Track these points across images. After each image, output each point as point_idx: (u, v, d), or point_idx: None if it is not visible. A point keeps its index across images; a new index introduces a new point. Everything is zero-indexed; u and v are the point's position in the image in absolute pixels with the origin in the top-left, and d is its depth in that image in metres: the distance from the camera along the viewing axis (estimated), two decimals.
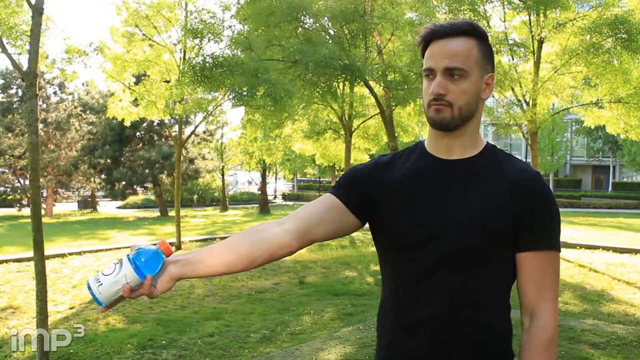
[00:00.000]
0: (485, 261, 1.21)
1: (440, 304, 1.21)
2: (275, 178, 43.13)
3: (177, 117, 12.09)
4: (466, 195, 1.22)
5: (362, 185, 1.30)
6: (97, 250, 10.40)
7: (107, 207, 29.49)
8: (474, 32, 1.25)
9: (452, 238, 1.19)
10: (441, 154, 1.28)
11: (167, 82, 11.59)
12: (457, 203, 1.22)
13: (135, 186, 24.83)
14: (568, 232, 13.31)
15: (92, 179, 25.39)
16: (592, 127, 12.81)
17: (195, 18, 10.48)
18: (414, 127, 16.58)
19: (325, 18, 12.52)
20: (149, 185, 24.69)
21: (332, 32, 12.97)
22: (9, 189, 24.61)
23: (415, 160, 1.31)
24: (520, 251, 1.22)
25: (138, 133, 24.00)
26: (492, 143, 1.33)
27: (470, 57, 1.23)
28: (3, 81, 24.45)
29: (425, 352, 1.19)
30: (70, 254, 9.84)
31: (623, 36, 9.20)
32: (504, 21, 10.84)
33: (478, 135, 1.30)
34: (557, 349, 1.20)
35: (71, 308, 6.18)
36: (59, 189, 24.79)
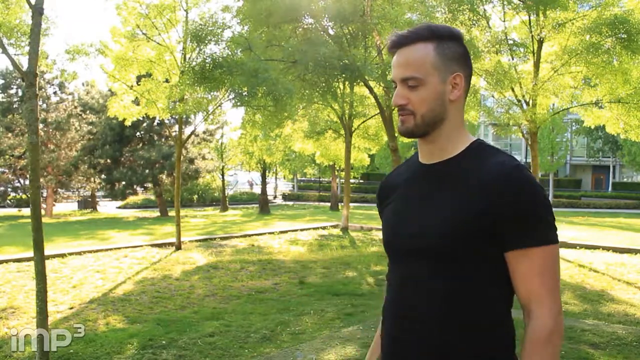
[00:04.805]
0: (465, 262, 1.19)
1: (428, 306, 1.22)
2: (275, 178, 43.12)
3: (177, 117, 12.08)
4: (441, 198, 1.23)
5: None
6: (97, 250, 10.38)
7: (107, 207, 29.50)
8: (432, 35, 1.23)
9: (426, 242, 1.21)
10: (425, 159, 1.31)
11: (167, 81, 11.58)
12: (433, 206, 1.23)
13: (135, 186, 24.79)
14: (568, 232, 13.31)
15: (92, 179, 25.40)
16: (592, 127, 12.82)
17: (199, 24, 10.45)
18: None
19: (326, 18, 12.52)
20: (149, 185, 24.68)
21: (331, 32, 12.97)
22: (9, 189, 24.60)
23: (407, 170, 1.38)
24: (505, 251, 1.19)
25: (138, 133, 23.96)
26: (481, 139, 1.30)
27: (425, 63, 1.22)
28: (3, 81, 24.45)
29: (417, 355, 1.21)
30: (70, 254, 9.83)
31: (623, 36, 9.22)
32: (504, 21, 10.84)
33: (459, 135, 1.28)
34: (559, 344, 1.17)
35: (71, 308, 6.17)
36: (59, 189, 24.80)
